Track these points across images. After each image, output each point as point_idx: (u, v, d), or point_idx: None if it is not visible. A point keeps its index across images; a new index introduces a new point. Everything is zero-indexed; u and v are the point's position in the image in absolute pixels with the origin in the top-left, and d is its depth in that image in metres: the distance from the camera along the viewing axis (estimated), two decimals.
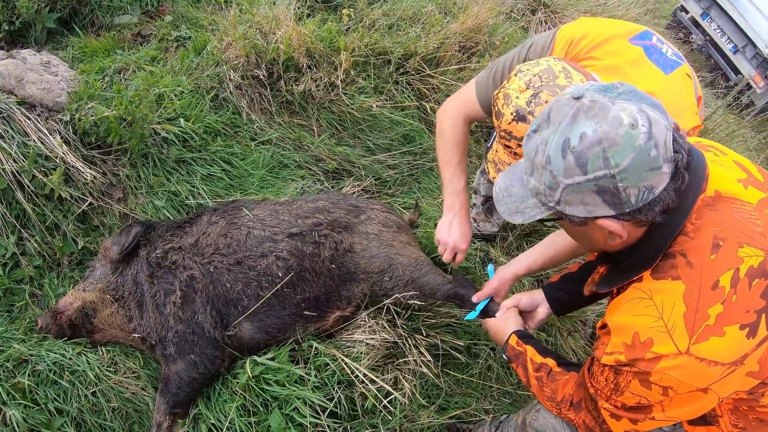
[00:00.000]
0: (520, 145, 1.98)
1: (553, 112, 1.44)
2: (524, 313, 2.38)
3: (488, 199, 3.48)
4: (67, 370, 2.59)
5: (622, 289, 1.64)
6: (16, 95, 3.18)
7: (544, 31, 5.23)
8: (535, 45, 2.40)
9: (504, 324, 2.28)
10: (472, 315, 2.58)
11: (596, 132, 1.33)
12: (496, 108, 2.07)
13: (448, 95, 4.10)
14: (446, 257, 2.61)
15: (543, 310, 2.37)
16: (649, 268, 1.52)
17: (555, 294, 2.36)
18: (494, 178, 2.17)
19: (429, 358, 2.80)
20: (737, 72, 8.11)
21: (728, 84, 8.10)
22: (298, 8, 4.16)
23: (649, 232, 1.52)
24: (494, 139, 2.26)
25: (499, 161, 2.18)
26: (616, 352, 1.52)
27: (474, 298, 2.57)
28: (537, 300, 2.39)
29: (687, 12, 8.97)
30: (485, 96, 2.45)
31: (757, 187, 1.56)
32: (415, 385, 2.76)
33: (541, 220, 1.61)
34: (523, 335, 2.17)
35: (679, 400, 1.50)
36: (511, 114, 1.99)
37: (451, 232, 2.58)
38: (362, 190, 3.64)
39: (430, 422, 2.77)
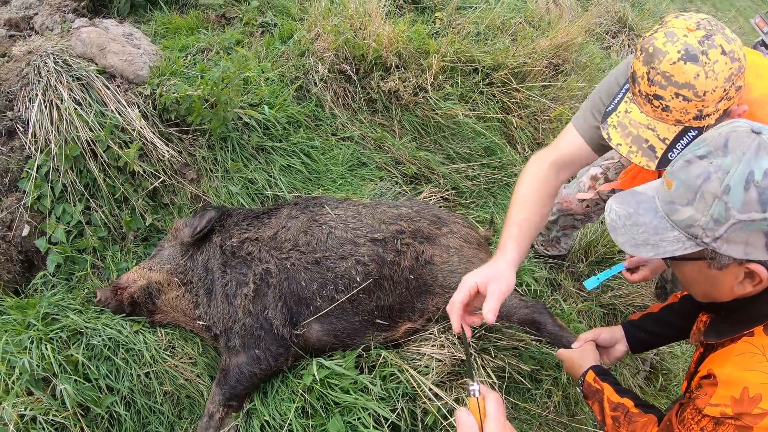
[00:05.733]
0: (680, 95, 1.78)
1: (731, 141, 1.38)
2: (600, 348, 2.35)
3: (559, 238, 3.38)
4: (123, 348, 2.54)
5: (729, 341, 1.62)
6: (96, 64, 3.14)
7: (627, 53, 5.11)
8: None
9: (581, 358, 2.24)
10: (594, 282, 2.54)
11: None
12: (650, 50, 1.81)
13: (533, 111, 4.04)
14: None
15: (621, 348, 2.33)
16: (763, 324, 1.52)
17: (635, 332, 2.32)
18: (619, 145, 1.95)
19: (495, 380, 2.73)
20: None
21: None
22: (387, 6, 4.11)
23: None
24: (618, 100, 2.03)
25: (632, 123, 1.94)
26: (722, 404, 1.50)
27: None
28: (616, 337, 2.34)
29: (767, 47, 8.72)
30: (588, 128, 2.24)
31: None
32: None
33: (674, 258, 1.52)
34: (600, 371, 2.14)
35: None
36: (679, 53, 1.74)
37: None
38: (441, 198, 3.58)
39: None
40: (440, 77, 3.76)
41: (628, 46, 5.71)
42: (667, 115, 1.84)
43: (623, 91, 2.00)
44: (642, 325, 2.31)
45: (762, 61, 2.02)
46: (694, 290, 1.70)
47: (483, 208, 3.72)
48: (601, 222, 3.57)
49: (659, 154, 1.89)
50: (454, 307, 1.88)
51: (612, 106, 2.01)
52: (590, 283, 2.60)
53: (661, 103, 1.82)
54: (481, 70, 3.94)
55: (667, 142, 1.87)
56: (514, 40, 4.20)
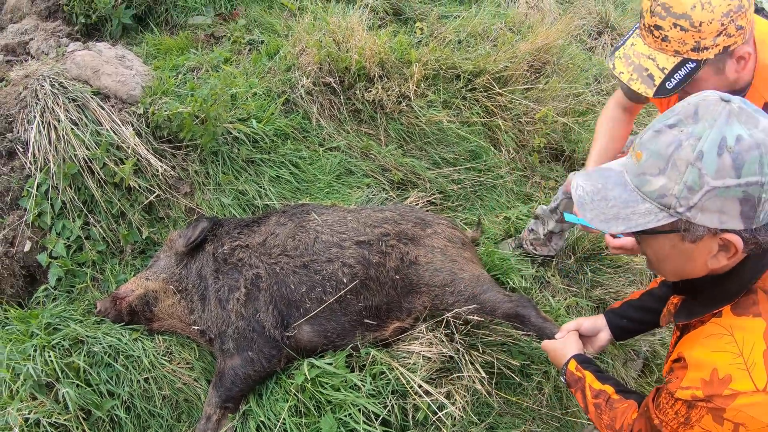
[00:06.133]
0: (677, 25, 1.88)
1: (701, 109, 1.36)
2: (584, 338, 2.35)
3: (552, 234, 3.45)
4: (122, 354, 2.65)
5: (696, 321, 1.62)
6: (91, 85, 3.27)
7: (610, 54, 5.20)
8: None
9: (564, 347, 2.24)
10: (574, 218, 2.42)
11: (752, 137, 1.29)
12: None
13: (517, 114, 4.14)
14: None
15: (604, 336, 2.32)
16: (731, 303, 1.50)
17: (617, 320, 2.32)
18: (621, 73, 2.08)
19: (483, 375, 2.78)
20: None
21: None
22: (369, 19, 4.22)
23: (739, 265, 1.49)
24: (628, 36, 2.14)
25: (635, 54, 2.06)
26: (693, 386, 1.49)
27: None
28: (599, 325, 2.34)
29: None
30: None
31: None
32: (467, 401, 2.74)
33: (646, 232, 1.50)
34: (582, 360, 2.14)
35: None
36: None
37: None
38: (428, 202, 3.65)
39: None
40: (422, 85, 3.85)
41: (611, 45, 5.74)
42: (667, 45, 1.93)
43: (633, 29, 2.12)
44: (623, 313, 2.31)
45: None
46: (665, 268, 1.64)
47: (470, 211, 3.79)
48: None
49: (657, 82, 1.98)
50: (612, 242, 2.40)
51: (622, 41, 2.14)
52: (570, 217, 2.44)
53: (661, 33, 1.93)
54: (463, 77, 4.03)
55: (666, 71, 1.96)
56: (495, 46, 4.29)
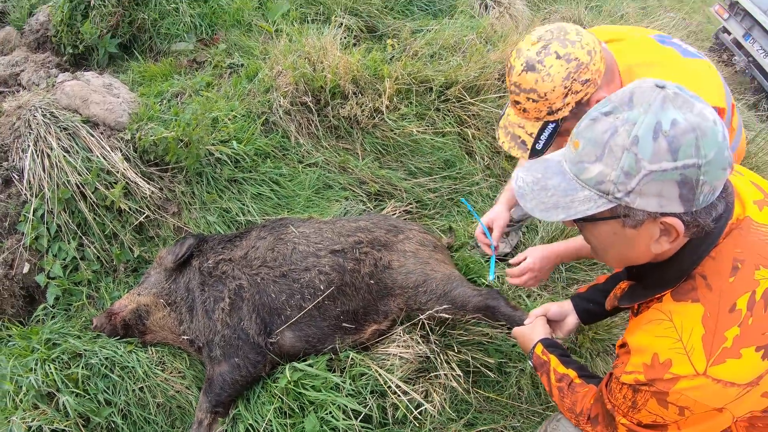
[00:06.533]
0: (530, 99, 2.08)
1: (636, 96, 1.36)
2: (553, 323, 2.38)
3: (507, 233, 3.57)
4: (118, 366, 2.78)
5: (643, 306, 1.65)
6: (81, 114, 3.41)
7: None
8: None
9: (531, 332, 2.26)
10: (491, 273, 2.71)
11: (687, 120, 1.29)
12: (509, 64, 2.13)
13: (488, 122, 4.27)
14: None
15: (572, 320, 2.35)
16: (671, 289, 1.52)
17: (583, 305, 2.34)
18: (503, 143, 2.30)
19: (459, 373, 2.87)
20: None
21: None
22: (344, 38, 4.37)
23: (679, 252, 1.51)
24: (507, 105, 2.36)
25: (509, 124, 2.26)
26: (636, 371, 1.52)
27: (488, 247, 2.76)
28: (566, 310, 2.37)
29: (729, 33, 8.78)
30: None
31: None
32: (445, 399, 2.83)
33: (586, 220, 1.49)
34: (549, 344, 2.16)
35: (695, 420, 1.50)
36: (521, 65, 2.05)
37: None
38: (404, 211, 3.75)
39: None
40: (395, 99, 3.98)
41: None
42: (528, 114, 2.15)
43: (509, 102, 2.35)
44: (590, 297, 2.32)
45: (628, 44, 2.33)
46: (610, 256, 1.63)
47: (447, 218, 3.89)
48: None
49: (529, 146, 2.20)
50: (478, 237, 2.75)
51: (503, 111, 2.36)
52: (491, 274, 2.73)
53: (520, 106, 2.15)
54: (435, 89, 4.16)
55: (533, 136, 2.17)
56: (466, 58, 4.40)
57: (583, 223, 1.55)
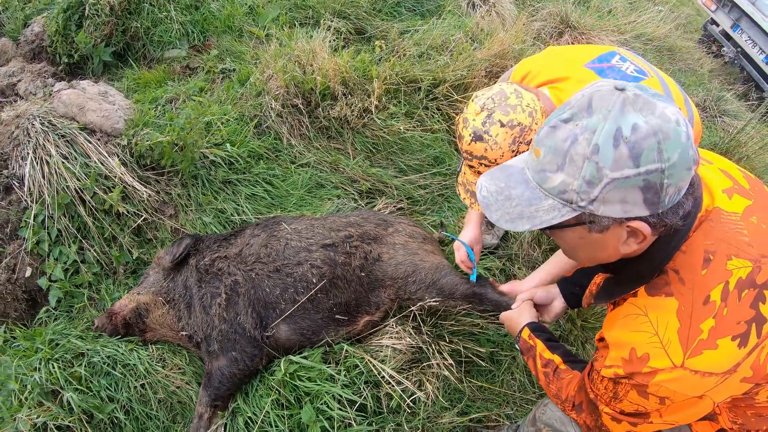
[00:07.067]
0: (482, 164, 2.22)
1: (595, 101, 1.33)
2: (540, 307, 2.38)
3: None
4: (120, 363, 2.85)
5: (619, 300, 1.64)
6: (78, 122, 3.47)
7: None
8: (506, 73, 2.71)
9: (518, 316, 2.26)
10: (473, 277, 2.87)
11: (648, 124, 1.26)
12: (458, 132, 2.27)
13: None
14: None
15: (558, 304, 2.35)
16: (645, 284, 1.52)
17: (570, 288, 2.33)
18: (464, 199, 2.43)
19: (451, 362, 2.92)
20: None
21: (761, 95, 7.86)
22: (334, 40, 4.44)
23: (651, 248, 1.50)
24: (462, 162, 2.48)
25: (467, 182, 2.40)
26: (615, 365, 1.54)
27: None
28: (552, 294, 2.37)
29: (717, 25, 8.77)
30: None
31: (743, 194, 1.57)
32: (438, 388, 2.90)
33: (552, 227, 1.46)
34: (535, 328, 2.16)
35: (676, 407, 1.52)
36: (470, 135, 2.18)
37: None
38: (396, 208, 3.81)
39: (451, 424, 2.89)
40: (384, 99, 4.05)
41: (573, 44, 5.72)
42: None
43: (462, 160, 2.46)
44: (575, 280, 2.31)
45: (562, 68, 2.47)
46: (580, 257, 1.61)
47: (440, 213, 3.93)
48: None
49: None
50: (463, 263, 2.88)
51: (459, 168, 2.50)
52: (473, 277, 2.90)
53: (474, 170, 2.31)
54: (423, 88, 4.23)
55: None
56: (453, 56, 4.47)
57: (551, 230, 1.51)
